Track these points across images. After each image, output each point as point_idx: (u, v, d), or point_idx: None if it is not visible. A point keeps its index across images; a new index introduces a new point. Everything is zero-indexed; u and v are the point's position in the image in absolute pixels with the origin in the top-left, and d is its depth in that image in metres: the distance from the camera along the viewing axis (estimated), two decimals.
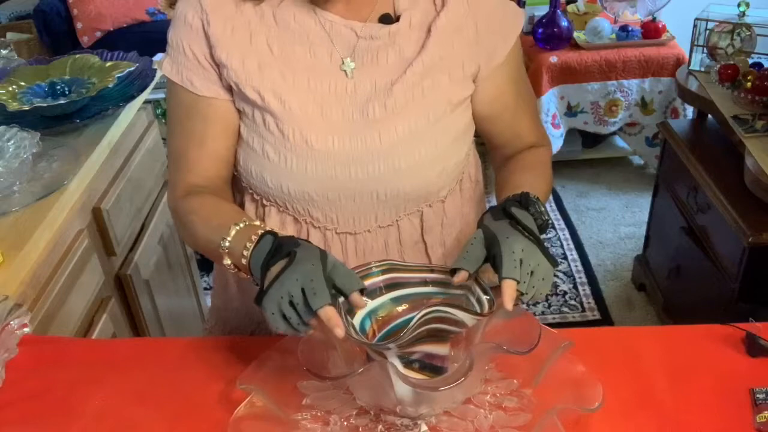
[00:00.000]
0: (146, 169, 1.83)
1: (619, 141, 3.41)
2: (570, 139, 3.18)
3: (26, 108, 1.55)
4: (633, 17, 3.05)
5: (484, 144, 1.14)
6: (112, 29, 3.58)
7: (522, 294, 0.83)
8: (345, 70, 0.99)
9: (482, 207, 1.15)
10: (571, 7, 3.14)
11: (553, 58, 2.91)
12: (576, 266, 2.74)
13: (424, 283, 0.91)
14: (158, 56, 2.05)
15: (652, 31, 2.93)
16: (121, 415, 0.92)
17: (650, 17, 2.97)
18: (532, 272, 0.84)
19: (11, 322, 1.04)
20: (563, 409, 0.83)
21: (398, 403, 0.83)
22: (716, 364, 0.94)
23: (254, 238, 0.87)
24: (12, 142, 1.37)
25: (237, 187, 1.09)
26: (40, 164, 1.43)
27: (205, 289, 2.42)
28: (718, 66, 2.06)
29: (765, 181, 1.68)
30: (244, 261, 0.88)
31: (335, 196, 1.00)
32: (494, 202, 0.96)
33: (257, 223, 0.92)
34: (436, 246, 1.08)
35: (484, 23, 1.01)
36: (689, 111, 2.83)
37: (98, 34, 3.57)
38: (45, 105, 1.57)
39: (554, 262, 0.87)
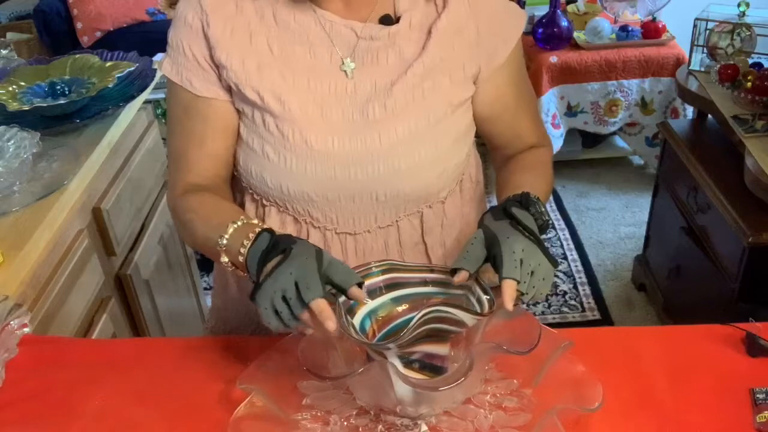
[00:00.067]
0: (146, 169, 1.83)
1: (619, 141, 3.41)
2: (570, 139, 3.18)
3: (26, 108, 1.55)
4: (633, 17, 3.05)
5: (484, 144, 1.14)
6: (112, 29, 3.58)
7: (522, 294, 0.83)
8: (345, 71, 0.99)
9: (483, 207, 1.15)
10: (571, 7, 3.14)
11: (553, 58, 2.91)
12: (576, 266, 2.74)
13: (424, 283, 0.91)
14: (158, 56, 2.05)
15: (652, 31, 2.93)
16: (121, 415, 0.92)
17: (650, 17, 2.97)
18: (532, 272, 0.84)
19: (11, 322, 1.04)
20: (563, 409, 0.83)
21: (398, 403, 0.83)
22: (716, 364, 0.94)
23: (251, 236, 0.88)
24: (12, 142, 1.37)
25: (237, 187, 1.09)
26: (40, 164, 1.43)
27: (205, 289, 2.42)
28: (718, 66, 2.06)
29: (765, 181, 1.68)
30: (241, 258, 0.88)
31: (335, 196, 1.00)
32: (495, 203, 0.96)
33: (255, 221, 0.92)
34: (437, 247, 1.08)
35: (485, 25, 1.01)
36: (689, 111, 2.83)
37: (98, 34, 3.57)
38: (45, 105, 1.57)
39: (554, 263, 0.87)
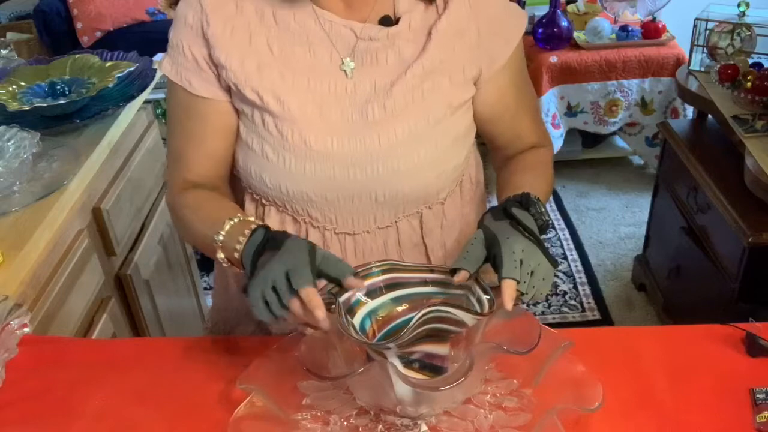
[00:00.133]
0: (146, 169, 1.83)
1: (619, 141, 3.41)
2: (570, 139, 3.18)
3: (26, 108, 1.55)
4: (633, 17, 3.05)
5: (485, 144, 1.14)
6: (112, 29, 3.58)
7: (522, 294, 0.83)
8: (345, 70, 0.99)
9: (483, 208, 1.15)
10: (571, 7, 3.14)
11: (553, 58, 2.91)
12: (576, 266, 2.74)
13: (424, 283, 0.91)
14: (158, 56, 2.05)
15: (652, 31, 2.93)
16: (121, 415, 0.92)
17: (650, 17, 2.97)
18: (532, 272, 0.84)
19: (11, 322, 1.04)
20: (563, 409, 0.83)
21: (398, 403, 0.83)
22: (716, 364, 0.94)
23: (247, 232, 0.89)
24: (12, 142, 1.37)
25: (237, 186, 1.09)
26: (40, 164, 1.43)
27: (205, 289, 2.42)
28: (718, 66, 2.06)
29: (765, 181, 1.68)
30: (236, 255, 0.89)
31: (334, 196, 1.00)
32: (495, 203, 0.96)
33: (251, 218, 0.93)
34: (437, 248, 1.08)
35: (486, 26, 1.01)
36: (689, 111, 2.83)
37: (98, 34, 3.57)
38: (45, 105, 1.57)
39: (554, 263, 0.87)
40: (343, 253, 1.05)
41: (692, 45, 2.25)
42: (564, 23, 2.94)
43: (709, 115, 2.17)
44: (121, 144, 1.70)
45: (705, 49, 2.22)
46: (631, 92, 2.96)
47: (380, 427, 0.87)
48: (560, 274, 2.69)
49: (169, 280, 1.92)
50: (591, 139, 3.31)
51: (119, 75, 1.67)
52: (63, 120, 1.57)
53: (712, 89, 2.07)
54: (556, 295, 2.60)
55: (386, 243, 1.05)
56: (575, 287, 2.63)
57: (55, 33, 3.55)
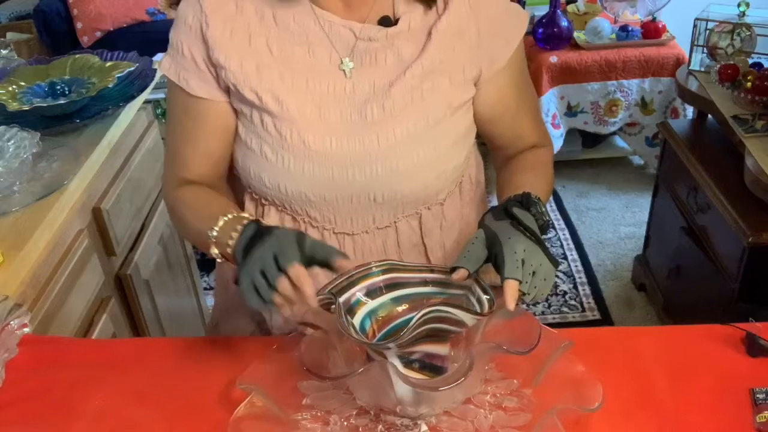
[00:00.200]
0: (146, 169, 1.83)
1: (619, 141, 3.41)
2: (570, 139, 3.18)
3: (26, 108, 1.55)
4: (633, 17, 3.05)
5: (485, 144, 1.14)
6: (112, 29, 3.58)
7: (524, 294, 0.83)
8: (344, 70, 0.99)
9: (483, 208, 1.15)
10: (571, 7, 3.14)
11: (553, 58, 2.91)
12: (576, 266, 2.74)
13: (424, 283, 0.91)
14: (158, 56, 2.05)
15: (652, 31, 2.93)
16: (121, 415, 0.92)
17: (650, 17, 2.97)
18: (533, 272, 0.84)
19: (11, 322, 1.04)
20: (563, 409, 0.83)
21: (398, 403, 0.83)
22: (716, 364, 0.94)
23: (239, 227, 0.89)
24: (12, 142, 1.37)
25: (237, 186, 1.09)
26: (40, 164, 1.43)
27: (205, 289, 2.42)
28: (718, 66, 2.06)
29: (765, 181, 1.68)
30: (229, 250, 0.90)
31: (332, 196, 1.00)
32: (495, 203, 0.96)
33: (245, 214, 0.93)
34: (436, 248, 1.08)
35: (486, 26, 1.01)
36: (689, 111, 2.83)
37: (98, 34, 3.57)
38: (45, 105, 1.57)
39: (555, 263, 0.87)
40: None
41: (692, 45, 2.25)
42: (564, 23, 2.94)
43: (709, 115, 2.17)
44: (121, 144, 1.70)
45: (705, 49, 2.22)
46: (631, 92, 2.96)
47: (380, 427, 0.87)
48: (560, 274, 2.69)
49: (169, 280, 1.92)
50: (591, 139, 3.31)
51: (119, 75, 1.67)
52: (63, 120, 1.57)
53: (712, 89, 2.07)
54: (556, 295, 2.60)
55: (385, 243, 1.05)
56: (575, 287, 2.63)
57: (55, 33, 3.55)
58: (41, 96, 1.65)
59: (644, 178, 3.25)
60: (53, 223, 1.32)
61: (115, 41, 3.44)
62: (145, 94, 1.76)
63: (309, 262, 0.84)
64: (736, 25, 2.14)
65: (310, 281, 0.81)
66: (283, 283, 0.82)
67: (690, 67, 2.28)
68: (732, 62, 2.05)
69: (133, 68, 1.72)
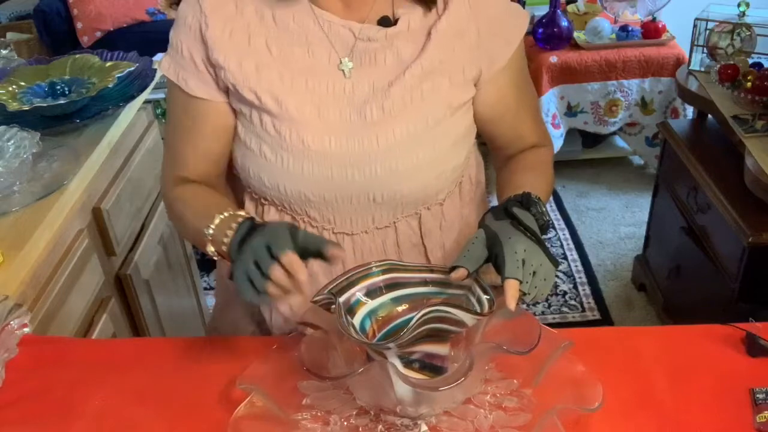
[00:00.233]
0: (146, 169, 1.83)
1: (619, 141, 3.41)
2: (570, 139, 3.18)
3: (26, 108, 1.55)
4: (633, 17, 3.05)
5: (485, 144, 1.14)
6: (112, 29, 3.58)
7: (524, 294, 0.83)
8: (343, 70, 0.99)
9: (483, 208, 1.14)
10: (571, 7, 3.14)
11: (553, 58, 2.91)
12: (576, 266, 2.74)
13: (424, 283, 0.91)
14: (158, 56, 2.05)
15: (652, 31, 2.93)
16: (121, 415, 0.92)
17: (650, 17, 2.97)
18: (534, 272, 0.84)
19: (11, 322, 1.04)
20: (563, 409, 0.83)
21: (398, 403, 0.83)
22: (716, 364, 0.94)
23: (234, 225, 0.90)
24: (12, 142, 1.37)
25: (237, 185, 1.09)
26: (40, 164, 1.43)
27: (205, 289, 2.42)
28: (718, 66, 2.06)
29: (765, 181, 1.68)
30: (224, 248, 0.90)
31: (332, 196, 1.00)
32: (496, 203, 0.96)
33: (241, 212, 0.94)
34: (436, 249, 1.08)
35: (486, 27, 1.00)
36: (689, 111, 2.83)
37: (98, 34, 3.57)
38: (45, 105, 1.57)
39: (556, 263, 0.87)
40: None
41: (692, 45, 2.25)
42: (564, 23, 2.94)
43: (709, 115, 2.17)
44: (121, 144, 1.70)
45: (705, 49, 2.22)
46: (631, 92, 2.96)
47: (380, 427, 0.87)
48: (560, 274, 2.69)
49: (169, 280, 1.92)
50: (591, 139, 3.31)
51: (119, 75, 1.67)
52: (63, 120, 1.57)
53: (712, 89, 2.07)
54: (556, 295, 2.60)
55: (385, 243, 1.05)
56: (575, 287, 2.63)
57: (55, 33, 3.55)
58: (41, 96, 1.65)
59: (644, 178, 3.25)
60: (53, 223, 1.32)
61: (115, 41, 3.44)
62: (145, 94, 1.76)
63: (302, 253, 0.85)
64: (736, 25, 2.14)
65: (304, 268, 0.82)
66: (276, 271, 0.82)
67: (690, 67, 2.28)
68: (732, 62, 2.05)
69: (133, 68, 1.72)
